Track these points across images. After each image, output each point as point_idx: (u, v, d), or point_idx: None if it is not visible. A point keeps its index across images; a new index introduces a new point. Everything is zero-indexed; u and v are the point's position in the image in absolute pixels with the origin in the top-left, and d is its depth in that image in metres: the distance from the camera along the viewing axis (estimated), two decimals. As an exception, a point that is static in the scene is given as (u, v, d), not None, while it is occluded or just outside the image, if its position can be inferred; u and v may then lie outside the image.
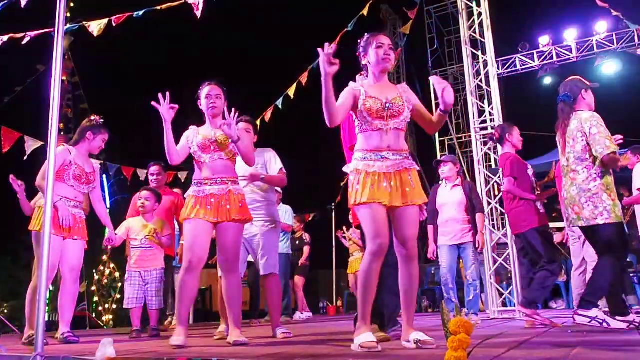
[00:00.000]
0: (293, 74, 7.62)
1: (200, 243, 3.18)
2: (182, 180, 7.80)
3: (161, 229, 4.58)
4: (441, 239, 5.09)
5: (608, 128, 3.51)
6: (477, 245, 4.94)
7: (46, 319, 4.58)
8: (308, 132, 11.14)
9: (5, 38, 6.21)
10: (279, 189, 6.61)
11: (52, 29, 4.49)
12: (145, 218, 4.57)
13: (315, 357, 2.28)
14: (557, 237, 6.47)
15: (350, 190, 2.67)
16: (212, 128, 3.35)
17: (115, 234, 4.25)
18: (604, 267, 3.44)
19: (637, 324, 3.60)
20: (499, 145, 4.69)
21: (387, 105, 2.68)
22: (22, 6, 5.68)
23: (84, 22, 6.17)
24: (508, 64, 11.91)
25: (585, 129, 3.47)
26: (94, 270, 11.45)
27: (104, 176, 8.55)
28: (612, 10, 7.50)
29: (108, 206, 8.52)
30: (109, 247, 4.73)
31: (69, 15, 9.16)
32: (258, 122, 7.62)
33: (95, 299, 11.37)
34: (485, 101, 7.20)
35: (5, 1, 5.70)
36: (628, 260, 5.95)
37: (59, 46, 2.52)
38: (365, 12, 7.38)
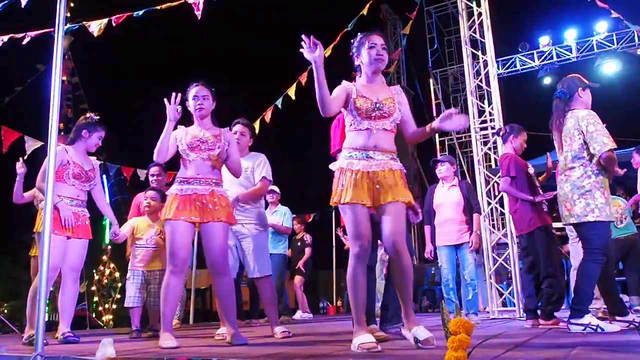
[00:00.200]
0: (293, 74, 7.62)
1: (185, 244, 3.17)
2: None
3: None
4: (439, 240, 5.10)
5: (608, 128, 3.49)
6: (470, 245, 4.94)
7: (46, 319, 4.59)
8: (308, 132, 11.15)
9: (5, 38, 6.20)
10: (276, 189, 6.63)
11: (52, 29, 4.50)
12: (151, 218, 4.57)
13: (315, 357, 2.28)
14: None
15: (334, 188, 2.67)
16: (201, 128, 3.35)
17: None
18: (586, 273, 3.41)
19: (636, 324, 3.60)
20: (499, 145, 4.69)
21: (378, 105, 2.67)
22: (22, 6, 5.68)
23: (84, 22, 6.16)
24: (508, 64, 11.93)
25: (582, 127, 3.45)
26: (94, 270, 11.47)
27: (104, 176, 8.54)
28: (612, 11, 7.49)
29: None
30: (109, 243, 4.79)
31: (69, 15, 9.15)
32: (258, 122, 7.65)
33: (95, 299, 11.38)
34: (485, 101, 7.20)
35: (5, 1, 5.70)
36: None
37: (59, 46, 2.53)
38: (365, 12, 7.39)
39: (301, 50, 2.52)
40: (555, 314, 4.23)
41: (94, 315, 10.77)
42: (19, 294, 12.11)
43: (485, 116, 7.20)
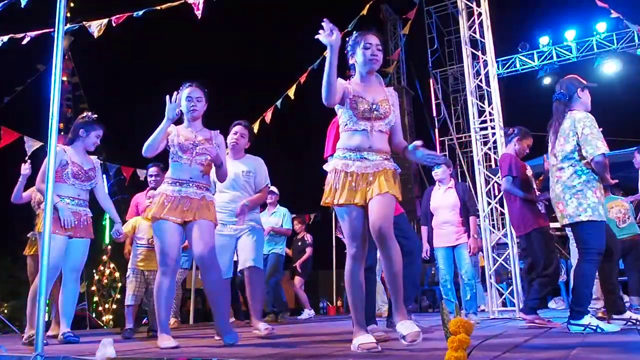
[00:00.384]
0: (293, 74, 7.63)
1: (175, 244, 3.17)
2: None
3: None
4: (437, 242, 5.13)
5: (608, 128, 3.49)
6: (469, 250, 4.98)
7: (46, 319, 4.59)
8: (308, 132, 11.15)
9: (5, 38, 6.20)
10: (275, 190, 6.63)
11: (52, 29, 4.49)
12: None
13: (315, 357, 2.28)
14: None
15: (327, 188, 2.65)
16: (192, 130, 3.34)
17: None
18: (583, 275, 3.40)
19: (633, 321, 3.61)
20: (499, 145, 4.69)
21: (374, 106, 2.66)
22: (22, 6, 5.68)
23: (84, 22, 6.16)
24: (508, 64, 11.93)
25: (578, 129, 3.43)
26: (94, 270, 11.47)
27: (104, 176, 8.55)
28: (612, 11, 7.49)
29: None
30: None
31: (69, 15, 9.16)
32: (258, 123, 7.65)
33: (95, 299, 11.38)
34: (485, 101, 7.20)
35: (5, 1, 5.70)
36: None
37: (59, 46, 2.53)
38: (365, 12, 7.39)
39: (317, 36, 2.49)
40: (555, 313, 4.24)
41: (94, 315, 10.77)
42: (19, 293, 12.12)
43: (485, 116, 7.20)
